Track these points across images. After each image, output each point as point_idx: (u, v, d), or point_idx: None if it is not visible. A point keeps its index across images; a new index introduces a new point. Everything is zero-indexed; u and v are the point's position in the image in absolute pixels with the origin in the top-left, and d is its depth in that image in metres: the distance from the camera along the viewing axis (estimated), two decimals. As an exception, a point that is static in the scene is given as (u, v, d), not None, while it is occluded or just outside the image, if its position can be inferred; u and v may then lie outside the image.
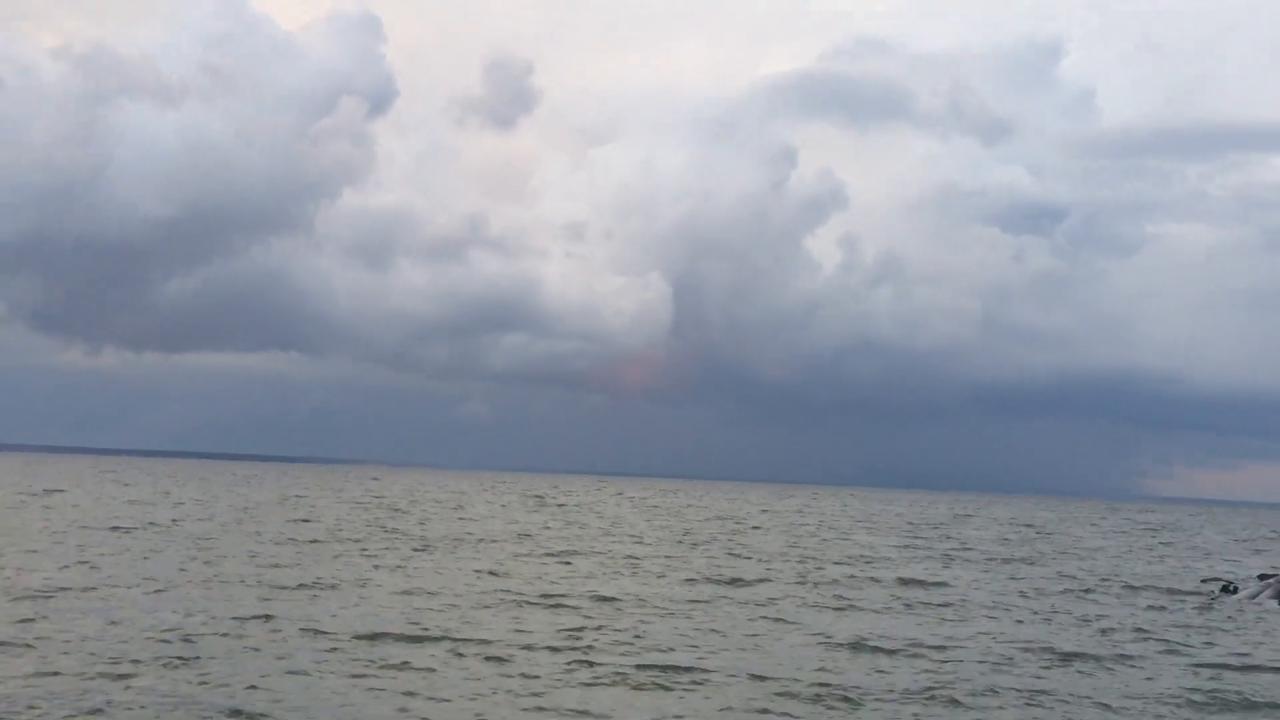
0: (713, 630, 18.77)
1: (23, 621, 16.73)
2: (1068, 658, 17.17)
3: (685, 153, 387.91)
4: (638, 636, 17.80)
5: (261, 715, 12.19)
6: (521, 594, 22.29)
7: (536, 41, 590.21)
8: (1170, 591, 28.67)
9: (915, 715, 13.24)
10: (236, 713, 12.15)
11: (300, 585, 21.99)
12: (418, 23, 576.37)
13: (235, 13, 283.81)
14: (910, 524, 64.68)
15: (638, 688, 14.18)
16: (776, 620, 20.33)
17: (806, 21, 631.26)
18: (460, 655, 15.66)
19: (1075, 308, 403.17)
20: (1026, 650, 17.75)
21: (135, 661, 14.38)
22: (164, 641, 15.76)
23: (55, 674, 13.54)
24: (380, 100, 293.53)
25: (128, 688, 13.01)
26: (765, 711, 13.14)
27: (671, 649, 16.80)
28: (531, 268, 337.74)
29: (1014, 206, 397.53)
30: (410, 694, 13.37)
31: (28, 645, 15.04)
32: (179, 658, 14.69)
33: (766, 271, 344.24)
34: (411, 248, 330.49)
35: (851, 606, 22.65)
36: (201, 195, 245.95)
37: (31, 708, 11.97)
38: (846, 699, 13.83)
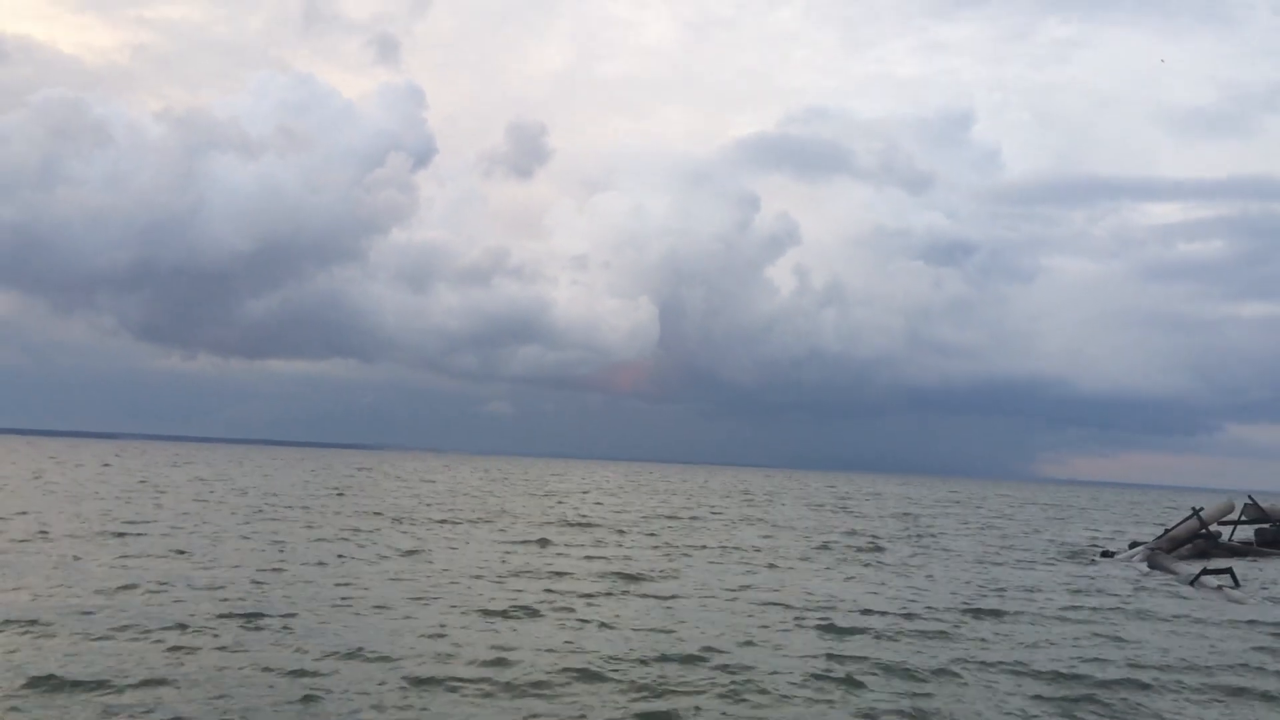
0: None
1: (124, 588, 17.11)
2: (976, 611, 17.43)
3: (669, 199, 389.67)
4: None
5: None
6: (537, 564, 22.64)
7: (549, 108, 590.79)
8: (1059, 556, 28.80)
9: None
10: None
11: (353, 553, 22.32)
12: (453, 93, 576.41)
13: (306, 85, 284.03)
14: (854, 499, 64.98)
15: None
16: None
17: (767, 93, 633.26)
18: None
19: (984, 326, 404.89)
20: (945, 605, 18.09)
21: (207, 623, 13.61)
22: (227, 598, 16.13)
23: (117, 633, 12.43)
24: (422, 156, 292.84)
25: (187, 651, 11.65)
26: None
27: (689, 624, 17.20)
28: (544, 292, 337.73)
29: (934, 243, 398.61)
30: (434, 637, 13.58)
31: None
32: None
33: (734, 295, 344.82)
34: (447, 275, 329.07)
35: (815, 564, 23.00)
36: (277, 232, 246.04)
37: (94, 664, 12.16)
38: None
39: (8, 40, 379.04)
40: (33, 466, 57.86)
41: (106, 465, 65.43)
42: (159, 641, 11.93)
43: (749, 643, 13.44)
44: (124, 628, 12.53)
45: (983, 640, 14.37)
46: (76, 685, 9.89)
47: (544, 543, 25.24)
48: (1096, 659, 13.33)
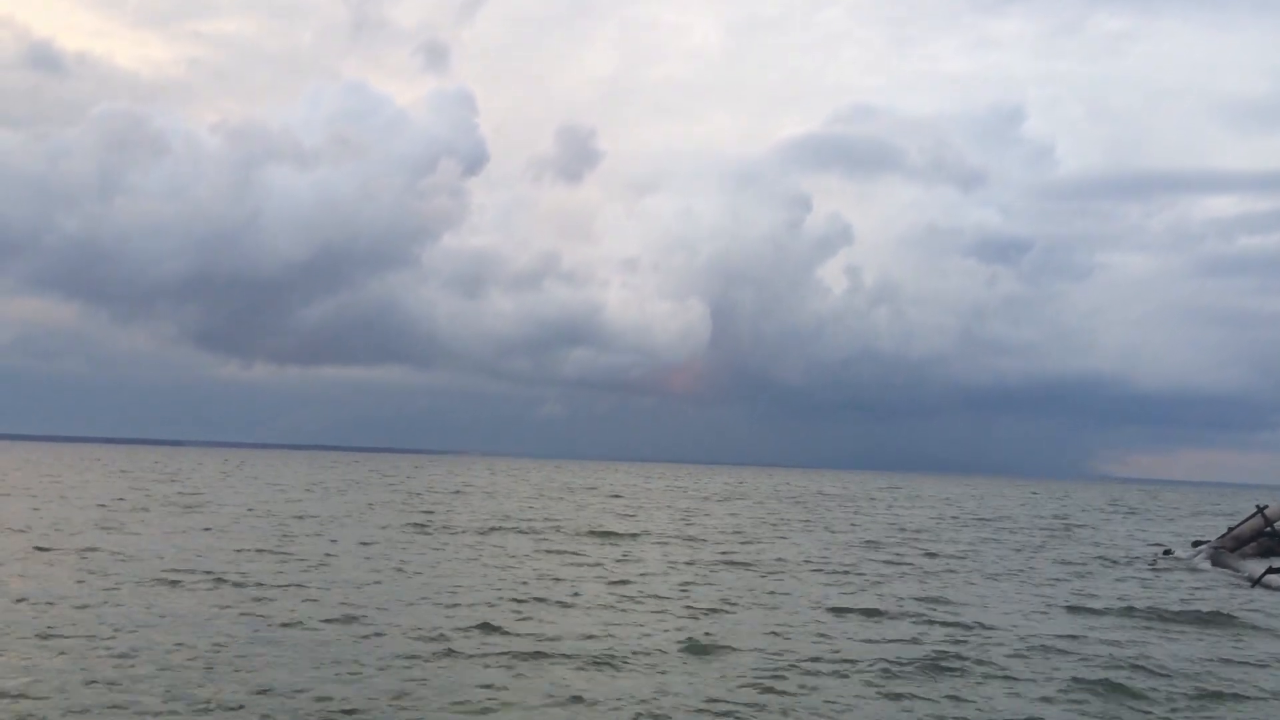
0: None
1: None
2: (1050, 601, 18.17)
3: (718, 201, 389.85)
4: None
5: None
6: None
7: (598, 112, 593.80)
8: (1123, 555, 29.20)
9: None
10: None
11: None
12: (504, 99, 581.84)
13: (358, 93, 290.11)
14: (944, 501, 65.24)
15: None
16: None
17: (815, 93, 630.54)
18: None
19: (1038, 323, 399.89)
20: (1010, 582, 18.82)
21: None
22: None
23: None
24: (473, 162, 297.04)
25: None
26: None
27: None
28: (595, 295, 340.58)
29: (987, 241, 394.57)
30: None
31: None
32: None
33: (786, 295, 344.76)
34: (499, 280, 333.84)
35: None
36: (331, 239, 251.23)
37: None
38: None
39: (68, 56, 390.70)
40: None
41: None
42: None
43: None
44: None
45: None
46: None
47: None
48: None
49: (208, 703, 9.76)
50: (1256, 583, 22.30)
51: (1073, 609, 17.74)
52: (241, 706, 9.69)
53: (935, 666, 12.48)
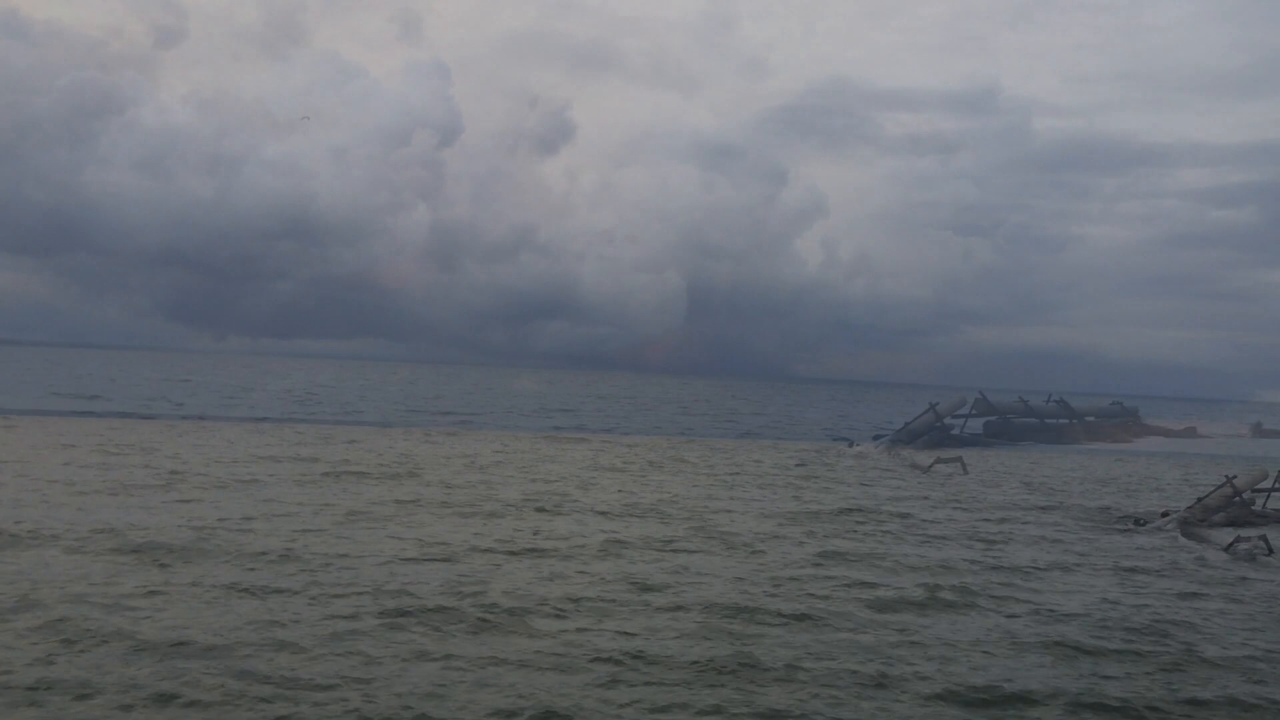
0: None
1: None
2: (1021, 570, 18.34)
3: (695, 173, 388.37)
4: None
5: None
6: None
7: (573, 83, 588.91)
8: (1093, 523, 29.83)
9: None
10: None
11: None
12: (479, 69, 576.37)
13: (331, 63, 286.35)
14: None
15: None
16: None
17: (792, 64, 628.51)
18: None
19: (1013, 296, 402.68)
20: (978, 551, 18.97)
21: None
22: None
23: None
24: (449, 133, 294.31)
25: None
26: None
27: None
28: (571, 268, 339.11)
29: (962, 213, 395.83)
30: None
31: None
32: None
33: (762, 268, 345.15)
34: (474, 252, 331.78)
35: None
36: (304, 212, 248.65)
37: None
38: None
39: (36, 24, 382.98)
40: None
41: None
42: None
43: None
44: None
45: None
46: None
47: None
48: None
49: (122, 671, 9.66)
50: (1226, 550, 22.69)
51: (1045, 576, 17.93)
52: (179, 696, 9.59)
53: (914, 617, 12.55)
